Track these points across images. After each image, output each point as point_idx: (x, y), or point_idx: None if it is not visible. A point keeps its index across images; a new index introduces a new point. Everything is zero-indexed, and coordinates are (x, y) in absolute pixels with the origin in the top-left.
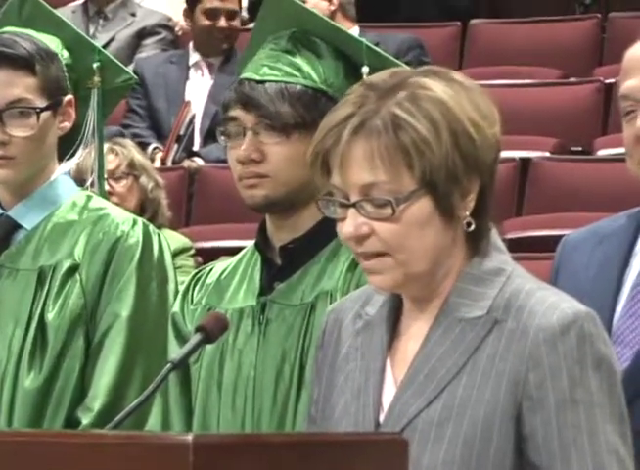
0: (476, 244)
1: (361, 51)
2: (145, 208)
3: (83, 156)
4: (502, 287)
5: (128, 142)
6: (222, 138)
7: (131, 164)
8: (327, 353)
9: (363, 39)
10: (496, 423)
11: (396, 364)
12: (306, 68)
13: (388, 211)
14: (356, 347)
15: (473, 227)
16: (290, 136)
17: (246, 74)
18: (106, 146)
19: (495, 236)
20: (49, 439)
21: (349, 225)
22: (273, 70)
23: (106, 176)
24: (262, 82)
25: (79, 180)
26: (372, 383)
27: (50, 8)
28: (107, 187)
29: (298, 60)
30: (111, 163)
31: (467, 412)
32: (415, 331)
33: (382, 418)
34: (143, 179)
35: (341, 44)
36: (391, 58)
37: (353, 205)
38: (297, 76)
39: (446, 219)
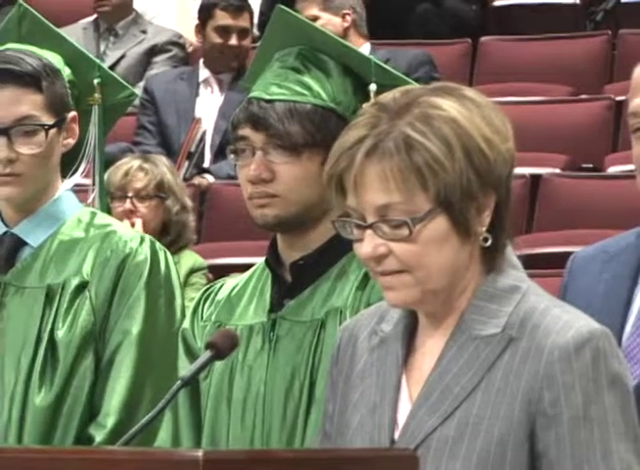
0: (491, 260)
1: (369, 68)
2: (169, 230)
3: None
4: (517, 304)
5: (162, 160)
6: (232, 156)
7: (159, 185)
8: (342, 370)
9: (371, 56)
10: (510, 441)
11: (412, 381)
12: (315, 86)
13: (405, 231)
14: (372, 363)
15: (490, 242)
16: (300, 155)
17: (254, 93)
18: (138, 162)
19: (510, 253)
20: (61, 455)
21: (367, 246)
22: (282, 88)
23: (131, 194)
24: (271, 101)
25: None
26: (387, 400)
27: (49, 23)
28: (129, 205)
29: (307, 78)
30: (139, 181)
31: (481, 430)
32: (430, 347)
33: (397, 435)
34: (169, 202)
35: (348, 61)
36: (400, 75)
37: (370, 226)
38: (306, 95)
39: (463, 236)
